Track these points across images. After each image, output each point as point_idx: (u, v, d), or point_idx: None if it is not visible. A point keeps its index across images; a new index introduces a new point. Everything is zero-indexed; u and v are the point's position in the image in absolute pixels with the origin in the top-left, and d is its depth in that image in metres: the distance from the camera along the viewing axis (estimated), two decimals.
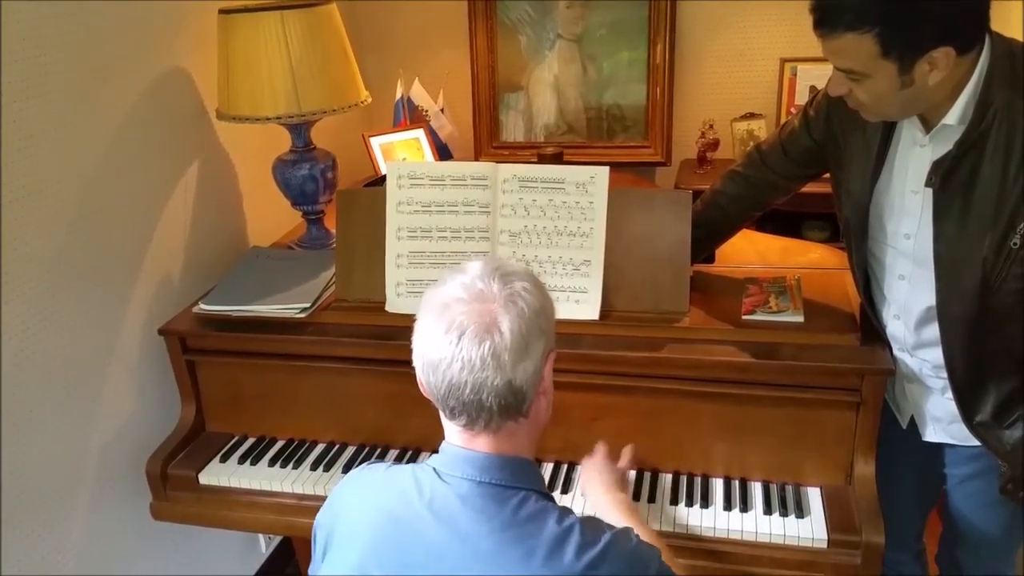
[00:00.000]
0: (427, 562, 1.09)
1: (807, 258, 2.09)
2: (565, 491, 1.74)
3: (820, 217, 2.85)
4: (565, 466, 1.80)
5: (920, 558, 1.97)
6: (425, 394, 1.17)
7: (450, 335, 1.09)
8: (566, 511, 1.14)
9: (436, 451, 1.20)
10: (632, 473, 1.71)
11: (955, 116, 1.37)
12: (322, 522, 1.25)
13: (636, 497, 1.70)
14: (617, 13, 2.97)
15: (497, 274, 1.14)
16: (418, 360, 1.15)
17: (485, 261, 1.18)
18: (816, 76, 2.85)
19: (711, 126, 2.95)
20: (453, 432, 1.18)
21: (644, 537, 1.20)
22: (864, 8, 1.28)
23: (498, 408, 1.11)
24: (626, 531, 1.16)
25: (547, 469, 1.80)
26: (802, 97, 2.89)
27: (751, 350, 1.67)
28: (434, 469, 1.16)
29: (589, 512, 1.42)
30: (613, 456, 1.58)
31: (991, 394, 1.52)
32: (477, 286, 1.12)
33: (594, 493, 1.50)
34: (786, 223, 2.76)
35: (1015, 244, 1.36)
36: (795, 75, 2.91)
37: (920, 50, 1.29)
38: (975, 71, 1.35)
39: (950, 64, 1.30)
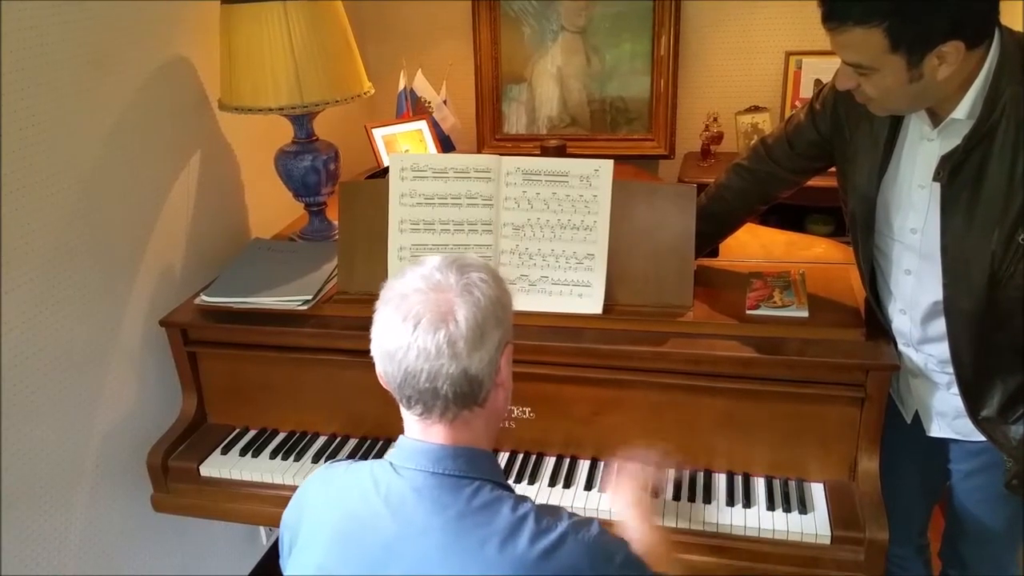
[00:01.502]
0: (386, 558, 1.10)
1: (811, 252, 2.08)
2: (567, 486, 1.73)
3: (824, 211, 2.85)
4: (567, 460, 1.80)
5: (923, 554, 1.96)
6: (383, 384, 1.17)
7: (406, 324, 1.10)
8: (521, 499, 1.14)
9: None
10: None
11: (964, 110, 1.36)
12: (288, 522, 1.26)
13: None
14: (621, 5, 2.95)
15: (455, 266, 1.16)
16: (376, 350, 1.16)
17: (444, 255, 1.19)
18: (821, 70, 2.84)
19: (715, 119, 2.93)
20: (410, 424, 1.19)
21: (659, 557, 1.22)
22: (873, 2, 1.27)
23: (453, 397, 1.12)
24: (586, 520, 1.15)
25: (549, 464, 1.79)
26: (807, 91, 2.87)
27: (755, 345, 1.66)
28: (390, 463, 1.17)
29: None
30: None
31: (997, 389, 1.51)
32: (435, 277, 1.14)
33: (617, 504, 1.51)
34: (790, 216, 2.76)
35: (1023, 239, 1.35)
36: (800, 68, 2.89)
37: (929, 44, 1.28)
38: (984, 65, 1.34)
39: (959, 58, 1.29)
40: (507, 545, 1.06)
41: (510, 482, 1.17)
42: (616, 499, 1.53)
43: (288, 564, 1.23)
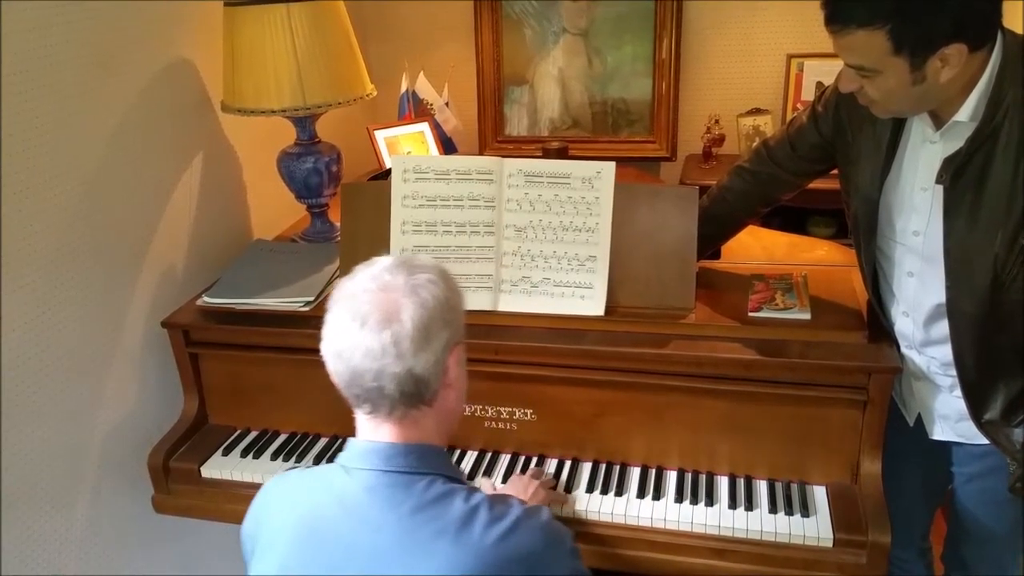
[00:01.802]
0: (345, 559, 1.11)
1: (813, 255, 2.08)
2: (568, 489, 1.73)
3: (826, 213, 2.84)
4: (569, 462, 1.79)
5: (925, 557, 1.96)
6: (335, 384, 1.19)
7: (354, 323, 1.13)
8: (473, 490, 1.16)
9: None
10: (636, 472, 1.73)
11: (967, 113, 1.36)
12: (247, 532, 1.27)
13: (641, 494, 1.70)
14: (623, 7, 2.95)
15: (404, 266, 1.18)
16: (326, 349, 1.17)
17: (397, 256, 1.22)
18: (823, 72, 2.84)
19: (717, 121, 2.94)
20: (361, 424, 1.21)
21: None
22: (876, 4, 1.27)
23: (399, 396, 1.14)
24: (537, 507, 1.17)
25: (551, 465, 1.79)
26: (809, 93, 2.87)
27: (757, 347, 1.66)
28: (342, 466, 1.19)
29: None
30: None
31: (1000, 392, 1.51)
32: (384, 277, 1.16)
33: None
34: (791, 219, 2.76)
35: None
36: (802, 71, 2.89)
37: (932, 47, 1.28)
38: (987, 68, 1.34)
39: (962, 61, 1.30)
40: (462, 534, 1.09)
41: (475, 486, 1.18)
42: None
43: (250, 570, 1.24)
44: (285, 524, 1.18)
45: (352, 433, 1.90)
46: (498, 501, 1.15)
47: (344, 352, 1.14)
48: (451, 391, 1.21)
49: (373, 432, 1.19)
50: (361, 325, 1.12)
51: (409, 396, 1.14)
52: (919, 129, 1.48)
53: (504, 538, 1.09)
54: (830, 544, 1.58)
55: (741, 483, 1.71)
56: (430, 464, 1.17)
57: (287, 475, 1.27)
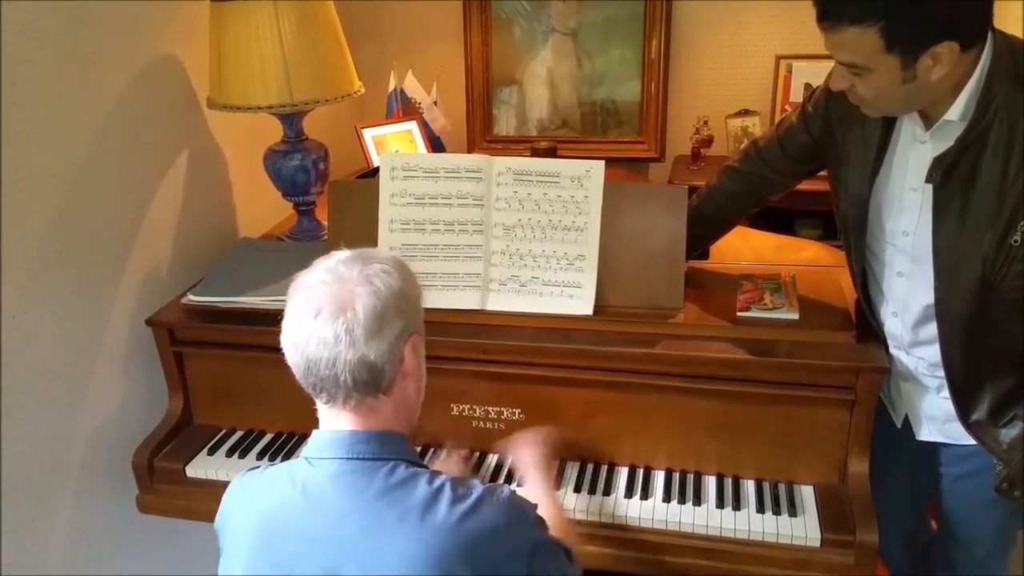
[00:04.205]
0: (310, 550, 1.12)
1: (802, 255, 2.08)
2: (556, 487, 1.72)
3: (813, 215, 2.85)
4: (557, 462, 1.78)
5: (912, 558, 1.96)
6: (295, 375, 1.20)
7: (307, 314, 1.15)
8: (436, 473, 1.18)
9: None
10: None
11: (957, 112, 1.37)
12: (217, 529, 1.30)
13: (628, 494, 1.69)
14: (612, 8, 2.96)
15: (360, 258, 1.20)
16: (284, 341, 1.19)
17: (353, 250, 1.23)
18: (811, 73, 2.84)
19: (705, 122, 2.94)
20: (323, 416, 1.23)
21: (559, 522, 1.31)
22: (869, 1, 1.27)
23: (353, 384, 1.15)
24: (497, 485, 1.20)
25: None
26: (797, 95, 2.88)
27: (745, 347, 1.66)
28: (305, 458, 1.20)
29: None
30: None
31: (988, 392, 1.51)
32: (339, 270, 1.18)
33: (520, 462, 1.60)
34: (779, 220, 2.75)
35: (1015, 241, 1.35)
36: (790, 72, 2.90)
37: (924, 45, 1.28)
38: (977, 67, 1.34)
39: (953, 59, 1.30)
40: (427, 515, 1.11)
41: (438, 470, 1.19)
42: (518, 457, 1.61)
43: (220, 570, 1.26)
44: (248, 521, 1.19)
45: None
46: (460, 483, 1.17)
47: (300, 343, 1.16)
48: (409, 380, 1.23)
49: (334, 422, 1.21)
50: (315, 315, 1.14)
51: (364, 384, 1.16)
52: (909, 129, 1.48)
53: (467, 516, 1.11)
54: (818, 544, 1.58)
55: (729, 483, 1.71)
56: (392, 450, 1.19)
57: (250, 472, 1.28)
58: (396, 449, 1.19)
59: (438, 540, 1.09)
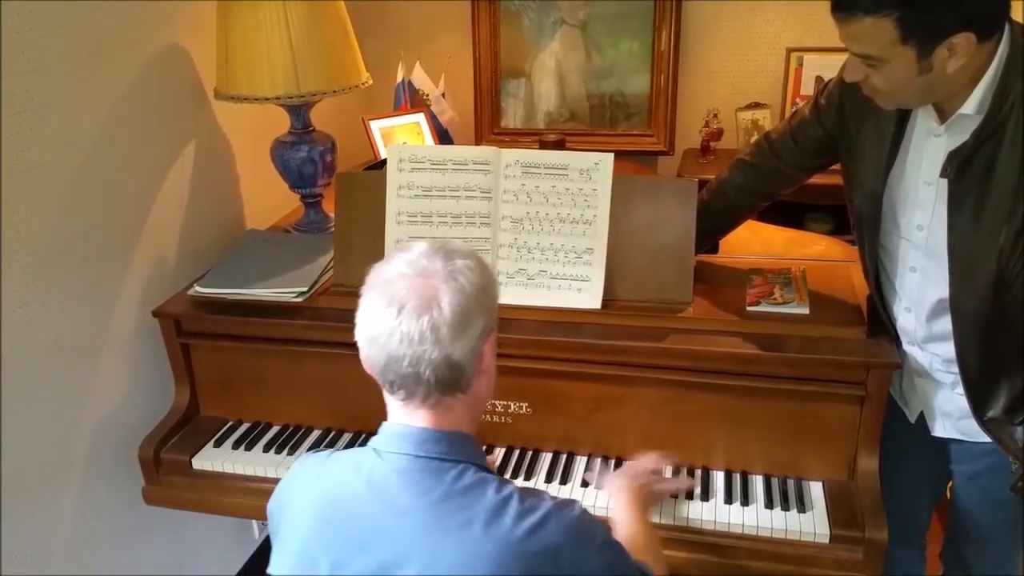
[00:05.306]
0: (369, 540, 1.10)
1: (812, 250, 2.06)
2: (564, 482, 1.72)
3: (823, 209, 2.83)
4: (564, 456, 1.78)
5: (921, 555, 1.94)
6: (367, 369, 1.17)
7: (391, 309, 1.11)
8: (505, 482, 1.14)
9: None
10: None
11: (972, 105, 1.35)
12: (272, 511, 1.27)
13: None
14: (622, 1, 2.93)
15: (441, 252, 1.16)
16: (360, 334, 1.16)
17: (432, 242, 1.20)
18: (822, 66, 2.82)
19: (715, 115, 2.92)
20: (394, 409, 1.19)
21: (646, 549, 1.27)
22: None
23: (436, 382, 1.12)
24: (569, 501, 1.16)
25: (546, 459, 1.78)
26: (808, 88, 2.86)
27: (755, 342, 1.64)
28: (374, 449, 1.18)
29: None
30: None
31: (1003, 390, 1.49)
32: (421, 263, 1.14)
33: (615, 496, 1.52)
34: (789, 214, 2.74)
35: None
36: (801, 65, 2.88)
37: (940, 35, 1.26)
38: (994, 60, 1.32)
39: (970, 51, 1.28)
40: (492, 524, 1.07)
41: (506, 478, 1.17)
42: (614, 487, 1.54)
43: (272, 552, 1.23)
44: (309, 505, 1.17)
45: (345, 426, 1.91)
46: (529, 494, 1.13)
47: (380, 338, 1.12)
48: (484, 377, 1.20)
49: (407, 417, 1.18)
50: (398, 311, 1.10)
51: (445, 383, 1.13)
52: (923, 122, 1.46)
53: (532, 532, 1.07)
54: (827, 540, 1.57)
55: (737, 478, 1.70)
56: (462, 452, 1.16)
57: (314, 457, 1.25)
58: (465, 451, 1.17)
59: (499, 551, 1.06)
